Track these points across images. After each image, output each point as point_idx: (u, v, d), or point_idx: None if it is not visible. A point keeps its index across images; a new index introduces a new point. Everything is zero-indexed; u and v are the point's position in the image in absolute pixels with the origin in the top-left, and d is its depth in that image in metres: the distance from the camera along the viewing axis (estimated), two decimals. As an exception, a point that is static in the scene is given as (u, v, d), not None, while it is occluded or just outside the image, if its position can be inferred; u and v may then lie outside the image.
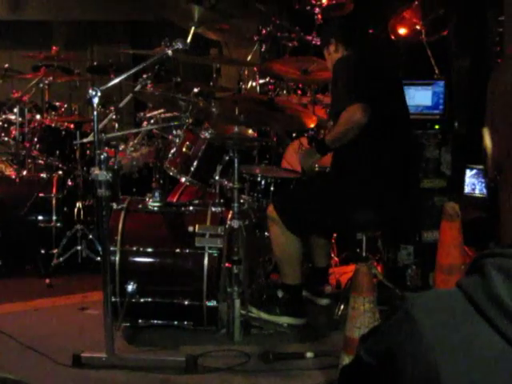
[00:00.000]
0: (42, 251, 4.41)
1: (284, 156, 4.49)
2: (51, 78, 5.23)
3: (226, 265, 3.36)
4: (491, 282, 0.68)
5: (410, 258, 4.04)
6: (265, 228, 3.70)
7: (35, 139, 4.84)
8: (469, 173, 4.28)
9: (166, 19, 5.13)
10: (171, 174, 3.74)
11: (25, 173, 4.76)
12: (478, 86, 4.98)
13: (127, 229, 3.35)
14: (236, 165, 3.35)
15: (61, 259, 4.34)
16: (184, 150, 3.65)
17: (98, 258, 4.14)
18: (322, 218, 3.43)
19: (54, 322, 3.64)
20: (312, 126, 3.70)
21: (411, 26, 4.63)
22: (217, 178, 3.56)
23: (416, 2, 4.60)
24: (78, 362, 3.00)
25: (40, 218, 4.48)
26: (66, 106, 5.60)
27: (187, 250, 3.32)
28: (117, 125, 5.28)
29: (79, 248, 4.38)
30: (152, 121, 4.61)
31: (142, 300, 3.27)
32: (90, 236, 4.40)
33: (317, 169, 3.70)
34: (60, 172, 4.72)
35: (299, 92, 4.94)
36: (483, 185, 4.22)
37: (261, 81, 5.09)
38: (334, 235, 4.13)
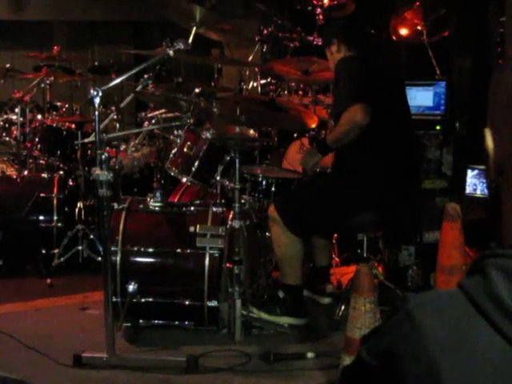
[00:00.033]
0: (43, 251, 4.40)
1: (285, 156, 4.49)
2: (52, 78, 5.22)
3: (227, 265, 3.36)
4: (492, 283, 0.68)
5: (411, 258, 4.03)
6: (266, 228, 3.70)
7: (36, 139, 4.84)
8: (470, 173, 4.27)
9: (167, 19, 5.13)
10: (172, 174, 3.74)
11: (26, 173, 4.76)
12: (479, 87, 4.97)
13: (128, 229, 3.35)
14: (237, 165, 3.35)
15: (62, 259, 4.34)
16: (185, 150, 3.65)
17: (99, 258, 4.14)
18: (323, 218, 3.43)
19: (55, 322, 3.64)
20: (313, 126, 3.70)
21: (412, 26, 4.62)
22: (218, 178, 3.57)
23: (417, 3, 4.60)
24: (78, 362, 3.00)
25: (41, 217, 4.48)
26: (67, 106, 5.60)
27: (188, 250, 3.32)
28: (118, 125, 5.29)
29: (80, 248, 4.38)
30: (153, 121, 4.62)
31: (142, 300, 3.27)
32: (91, 236, 4.39)
33: (318, 169, 3.70)
34: (61, 172, 4.72)
35: (300, 92, 4.94)
36: (484, 185, 4.21)
37: (262, 81, 5.10)
38: (335, 236, 4.13)
